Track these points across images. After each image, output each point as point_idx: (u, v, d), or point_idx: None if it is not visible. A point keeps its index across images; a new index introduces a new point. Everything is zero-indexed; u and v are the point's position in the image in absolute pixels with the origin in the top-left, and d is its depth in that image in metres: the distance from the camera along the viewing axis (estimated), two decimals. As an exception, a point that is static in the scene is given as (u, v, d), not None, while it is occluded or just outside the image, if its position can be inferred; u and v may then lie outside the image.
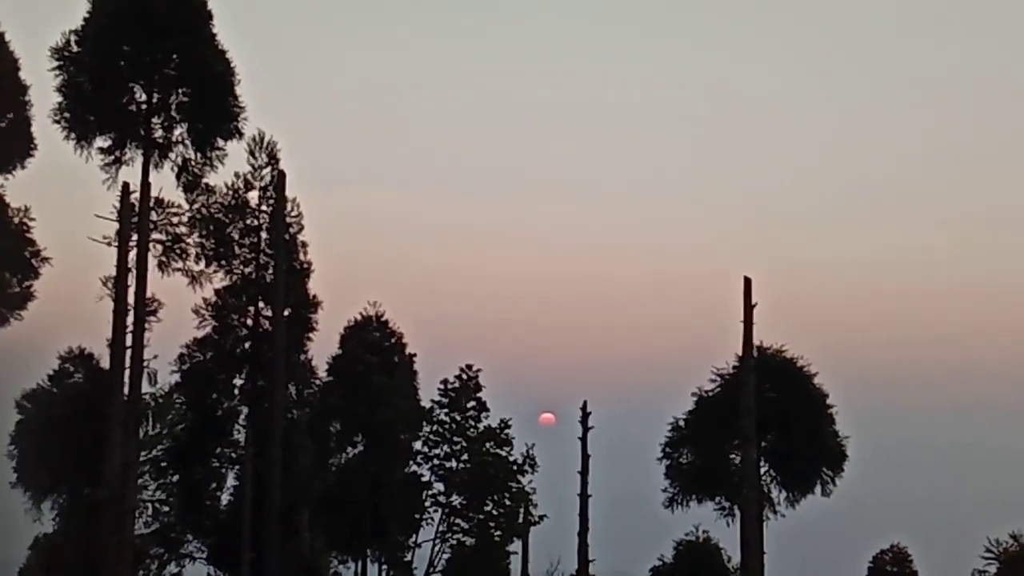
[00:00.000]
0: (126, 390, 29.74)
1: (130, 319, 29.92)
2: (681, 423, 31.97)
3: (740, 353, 30.47)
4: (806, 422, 30.49)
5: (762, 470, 30.59)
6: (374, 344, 37.80)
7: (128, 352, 29.78)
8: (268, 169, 33.77)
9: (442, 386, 38.76)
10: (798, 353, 31.50)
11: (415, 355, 38.55)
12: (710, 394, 31.82)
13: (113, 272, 30.12)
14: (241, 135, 31.59)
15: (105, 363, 30.82)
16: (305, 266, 34.32)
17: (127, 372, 29.75)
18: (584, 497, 33.04)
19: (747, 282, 30.15)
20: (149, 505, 33.07)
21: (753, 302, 30.10)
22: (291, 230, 33.87)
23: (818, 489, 30.68)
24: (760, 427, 29.77)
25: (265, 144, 33.75)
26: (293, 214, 33.88)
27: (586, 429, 33.40)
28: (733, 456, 31.06)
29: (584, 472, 33.14)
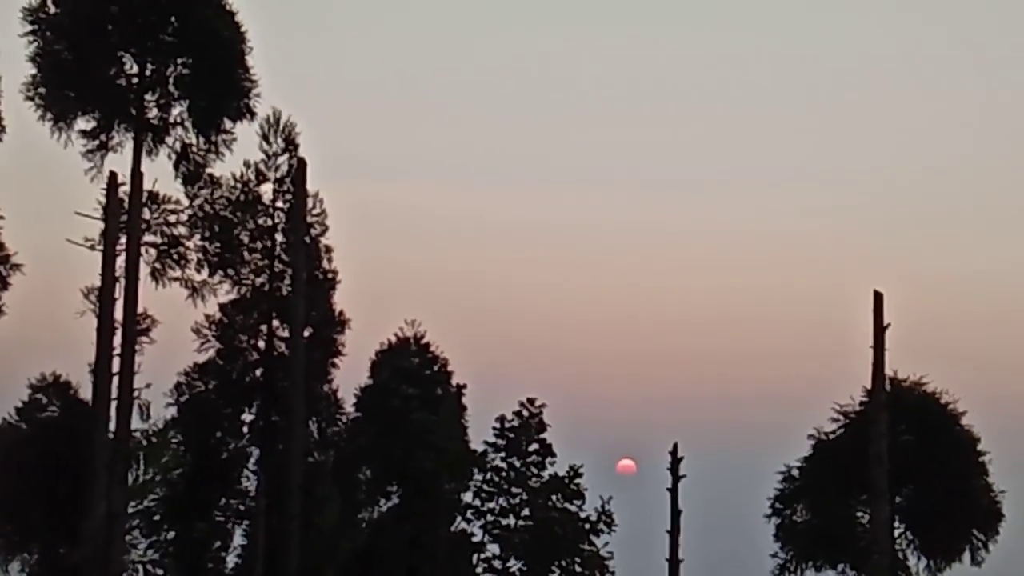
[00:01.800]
0: (112, 426, 29.92)
1: (117, 339, 30.12)
2: (795, 473, 31.93)
3: (869, 386, 30.39)
4: (951, 473, 30.26)
5: (896, 531, 30.46)
6: (413, 372, 37.51)
7: (114, 380, 29.94)
8: (285, 157, 34.02)
9: (498, 425, 37.60)
10: (941, 387, 31.31)
11: (464, 386, 38.16)
12: (831, 437, 31.74)
13: (97, 282, 30.31)
14: (253, 115, 32.06)
15: (86, 393, 30.94)
16: (329, 276, 34.52)
17: (113, 404, 29.90)
18: (674, 563, 32.97)
19: (878, 298, 30.07)
20: (139, 567, 32.89)
21: (885, 323, 29.99)
22: (312, 232, 34.17)
23: (967, 556, 30.47)
24: (894, 478, 29.57)
25: (282, 127, 33.96)
26: (315, 212, 34.18)
27: (676, 478, 33.27)
28: (860, 514, 30.98)
29: (674, 532, 33.01)
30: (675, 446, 33.78)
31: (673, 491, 33.28)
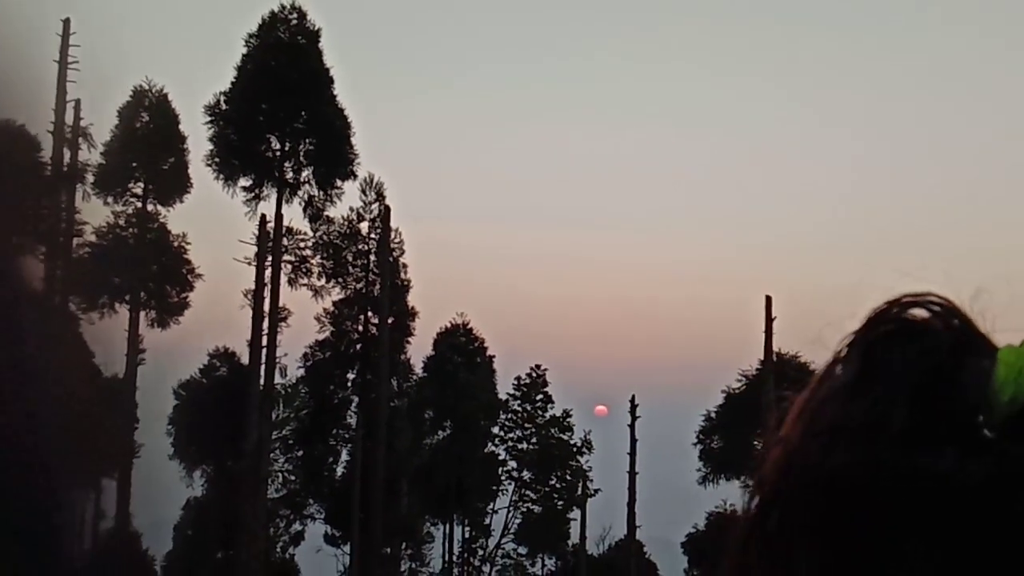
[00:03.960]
0: (262, 381, 30.06)
1: (265, 324, 30.20)
2: (713, 415, 32.24)
3: (762, 358, 30.60)
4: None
5: None
6: (460, 347, 37.62)
7: (263, 351, 30.04)
8: (376, 204, 33.67)
9: (516, 382, 38.47)
10: (811, 359, 30.85)
11: (494, 356, 38.35)
12: (737, 392, 32.05)
13: (252, 286, 30.39)
14: (355, 177, 31.87)
15: (245, 359, 31.07)
16: (405, 283, 34.28)
17: (262, 367, 30.04)
18: (632, 474, 32.88)
19: (768, 300, 30.26)
20: (279, 475, 33.16)
21: (773, 316, 30.09)
22: (394, 254, 33.90)
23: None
24: (778, 420, 29.64)
25: (374, 184, 33.66)
26: (396, 241, 33.98)
27: (634, 417, 33.27)
28: (756, 443, 30.94)
29: (632, 453, 32.97)
30: (633, 396, 34.02)
31: (632, 426, 33.35)
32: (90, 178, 30.40)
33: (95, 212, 30.60)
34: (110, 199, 31.01)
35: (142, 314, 31.14)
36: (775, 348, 30.47)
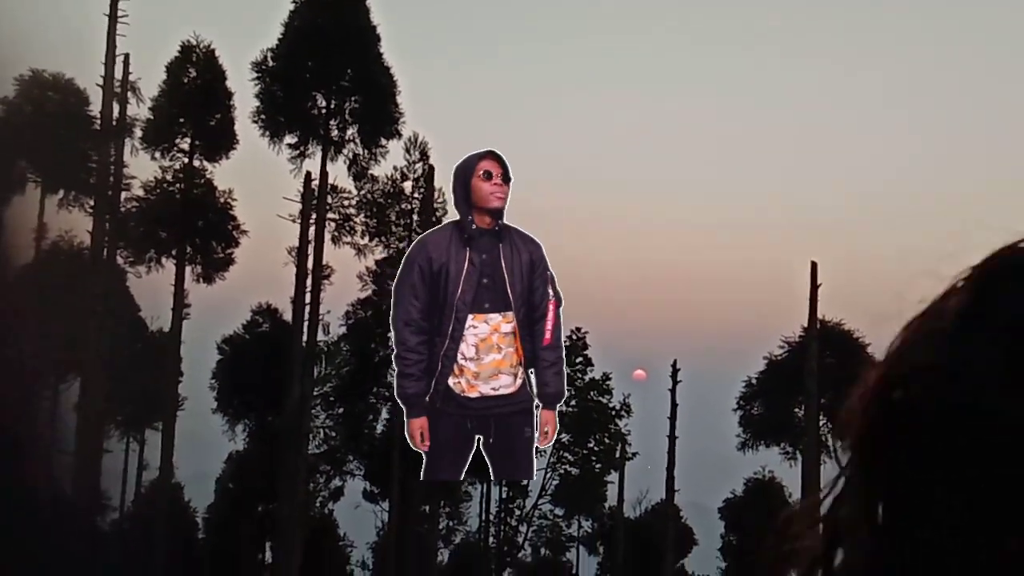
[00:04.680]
0: (304, 338, 29.88)
1: (308, 282, 30.02)
2: (754, 381, 32.03)
3: (805, 325, 30.10)
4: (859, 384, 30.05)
5: (821, 422, 29.92)
6: None
7: (306, 308, 29.91)
8: (420, 164, 33.40)
9: (556, 344, 38.56)
10: (855, 327, 30.96)
11: None
12: (779, 358, 31.78)
13: (296, 243, 30.21)
14: (400, 136, 31.52)
15: (288, 316, 31.01)
16: None
17: (305, 324, 29.88)
18: (672, 438, 32.69)
19: (813, 266, 29.76)
20: (320, 431, 33.19)
21: (818, 283, 29.65)
22: (437, 214, 33.26)
23: (868, 439, 30.28)
24: (820, 386, 29.34)
25: (418, 143, 33.37)
26: (439, 201, 33.55)
27: (675, 382, 33.03)
28: (797, 410, 30.81)
29: (672, 418, 32.75)
30: (675, 360, 33.70)
31: (673, 390, 33.12)
32: (138, 132, 30.32)
33: (142, 167, 30.78)
34: (157, 154, 30.93)
35: (188, 269, 31.09)
36: (819, 315, 30.03)
